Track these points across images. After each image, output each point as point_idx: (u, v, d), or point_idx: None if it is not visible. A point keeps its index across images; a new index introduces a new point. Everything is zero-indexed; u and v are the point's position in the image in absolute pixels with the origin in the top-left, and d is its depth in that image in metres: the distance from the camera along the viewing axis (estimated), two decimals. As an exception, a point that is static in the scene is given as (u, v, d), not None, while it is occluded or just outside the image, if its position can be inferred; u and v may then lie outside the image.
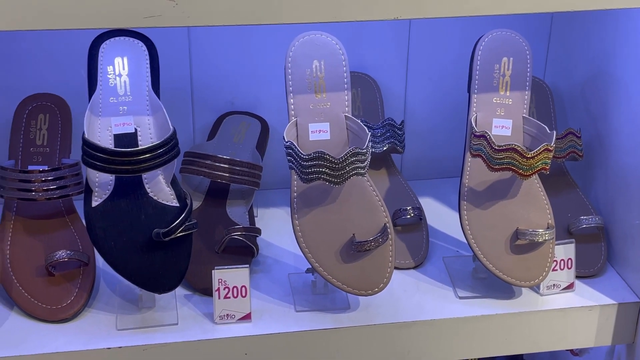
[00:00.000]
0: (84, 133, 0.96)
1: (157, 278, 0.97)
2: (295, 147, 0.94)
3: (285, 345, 1.00)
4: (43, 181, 1.04)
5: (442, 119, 1.28)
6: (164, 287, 0.98)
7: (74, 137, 1.13)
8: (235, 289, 1.00)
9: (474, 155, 1.01)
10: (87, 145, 0.94)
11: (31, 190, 1.04)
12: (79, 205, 1.11)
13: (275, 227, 1.18)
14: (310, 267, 1.05)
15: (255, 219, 1.18)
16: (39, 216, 1.07)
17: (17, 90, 1.14)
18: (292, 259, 1.13)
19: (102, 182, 0.98)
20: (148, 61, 1.01)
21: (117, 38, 1.00)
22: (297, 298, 1.04)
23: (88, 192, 0.98)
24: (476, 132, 0.99)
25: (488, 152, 0.97)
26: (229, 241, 1.09)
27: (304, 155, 0.94)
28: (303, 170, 0.94)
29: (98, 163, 0.94)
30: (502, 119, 1.01)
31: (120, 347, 0.97)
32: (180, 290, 1.05)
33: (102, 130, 0.99)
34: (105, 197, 0.98)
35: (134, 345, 0.97)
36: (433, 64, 1.25)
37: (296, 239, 1.00)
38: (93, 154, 0.94)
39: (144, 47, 1.01)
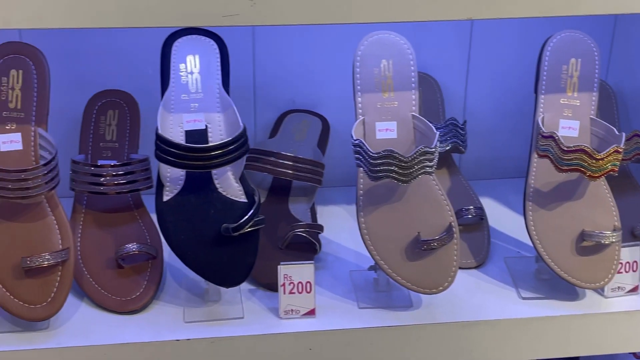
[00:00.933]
0: (157, 129, 0.98)
1: (225, 272, 0.99)
2: (365, 145, 0.95)
3: (349, 341, 1.01)
4: (113, 175, 1.06)
5: (502, 119, 1.28)
6: (231, 281, 1.00)
7: (142, 132, 1.17)
8: (300, 284, 1.01)
9: (540, 156, 1.01)
10: (161, 140, 0.97)
11: (102, 185, 1.06)
12: (146, 199, 1.14)
13: (335, 225, 1.19)
14: (373, 264, 1.06)
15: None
16: (108, 210, 1.10)
17: (87, 86, 1.16)
18: (353, 256, 1.14)
19: (173, 177, 1.00)
20: (219, 59, 1.03)
21: (189, 36, 1.02)
22: (360, 295, 1.06)
23: (160, 186, 1.00)
24: (544, 132, 1.00)
25: (556, 153, 0.98)
26: (292, 237, 1.10)
27: (373, 153, 0.95)
28: (372, 169, 0.95)
29: (171, 158, 0.96)
30: (569, 120, 1.01)
31: (189, 339, 0.99)
32: (244, 285, 1.06)
33: (173, 127, 1.01)
34: (176, 192, 1.00)
35: (202, 338, 0.99)
36: (494, 64, 1.25)
37: (361, 236, 1.01)
38: (166, 149, 0.96)
39: (215, 46, 1.03)
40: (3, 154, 0.99)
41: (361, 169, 0.99)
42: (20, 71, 1.01)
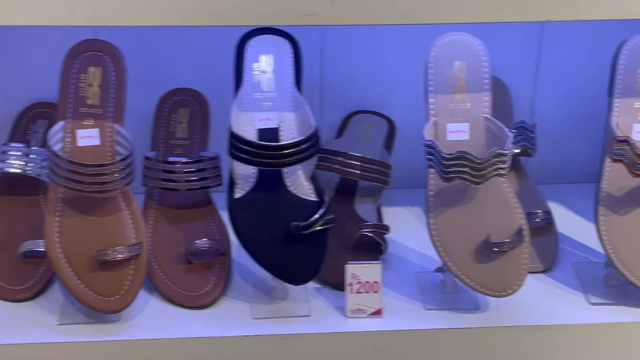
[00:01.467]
0: (231, 126, 0.99)
1: (294, 270, 1.00)
2: (437, 146, 0.95)
3: (415, 342, 1.01)
4: (185, 172, 1.08)
5: (570, 123, 1.27)
6: (300, 279, 1.00)
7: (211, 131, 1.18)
8: (367, 284, 1.02)
9: (614, 160, 1.00)
10: (234, 138, 0.98)
11: (174, 181, 1.08)
12: (215, 197, 1.16)
13: (399, 226, 1.19)
14: (440, 266, 1.06)
15: (379, 216, 1.21)
16: (179, 206, 1.12)
17: (159, 84, 1.18)
18: (418, 258, 1.14)
19: (245, 175, 1.02)
20: (292, 59, 1.04)
21: (263, 36, 1.04)
22: (426, 296, 1.06)
23: (231, 184, 1.02)
24: (618, 137, 0.99)
25: (631, 158, 0.97)
26: (359, 237, 1.11)
27: (446, 154, 0.95)
28: (444, 170, 0.96)
29: (244, 155, 0.98)
30: (644, 124, 1.00)
31: (257, 335, 1.00)
32: (310, 284, 1.07)
33: (246, 125, 1.03)
34: (247, 189, 1.01)
35: (270, 334, 1.00)
36: (564, 67, 1.24)
37: (430, 237, 1.01)
38: (239, 147, 0.98)
39: (289, 46, 1.04)
40: (80, 149, 1.02)
41: (432, 170, 0.99)
42: (99, 68, 1.03)
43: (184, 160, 1.10)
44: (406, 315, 1.03)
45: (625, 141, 0.98)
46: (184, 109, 1.17)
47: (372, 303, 1.03)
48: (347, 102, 1.26)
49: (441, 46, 1.02)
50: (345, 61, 1.23)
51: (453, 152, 0.95)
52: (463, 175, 0.95)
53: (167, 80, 1.19)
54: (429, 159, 0.98)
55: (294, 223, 0.99)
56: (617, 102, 1.02)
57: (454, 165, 0.94)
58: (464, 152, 0.94)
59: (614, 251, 1.00)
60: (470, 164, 0.94)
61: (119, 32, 1.14)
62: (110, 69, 1.04)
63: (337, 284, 1.07)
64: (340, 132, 1.24)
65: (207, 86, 1.19)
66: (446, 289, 1.06)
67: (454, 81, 1.02)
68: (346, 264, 1.02)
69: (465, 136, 1.00)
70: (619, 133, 1.00)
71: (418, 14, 0.87)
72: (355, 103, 1.26)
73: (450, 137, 1.00)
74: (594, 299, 1.03)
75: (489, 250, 0.99)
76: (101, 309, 0.97)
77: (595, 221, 1.02)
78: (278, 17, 0.86)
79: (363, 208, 1.17)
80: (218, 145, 1.20)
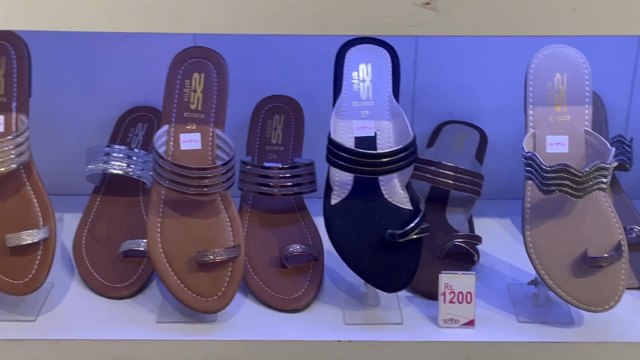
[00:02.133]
0: (329, 133, 1.01)
1: (388, 277, 1.01)
2: (538, 159, 0.95)
3: (509, 354, 1.01)
4: (280, 178, 1.10)
5: (667, 138, 1.25)
6: (394, 286, 1.01)
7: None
8: (460, 294, 1.02)
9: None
10: (333, 145, 1.00)
11: (269, 186, 1.11)
12: (308, 203, 1.18)
13: (490, 237, 1.19)
14: (533, 279, 1.05)
15: (468, 227, 1.21)
16: (273, 210, 1.14)
17: (255, 90, 1.21)
18: (509, 269, 1.14)
19: (341, 182, 1.03)
20: (390, 69, 1.05)
21: (362, 45, 1.05)
22: (518, 309, 1.05)
23: (328, 190, 1.03)
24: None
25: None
26: (450, 247, 1.11)
27: (546, 166, 0.95)
28: (544, 182, 0.95)
29: (341, 162, 0.99)
30: None
31: (350, 341, 1.01)
32: (401, 292, 1.08)
33: (344, 132, 1.04)
34: (344, 196, 1.03)
35: (363, 340, 1.01)
36: (661, 81, 1.23)
37: (526, 249, 1.01)
38: (337, 154, 0.99)
39: (387, 55, 1.05)
40: (183, 152, 1.05)
41: (530, 182, 0.99)
42: (202, 74, 1.06)
43: (279, 165, 1.12)
44: (499, 327, 1.03)
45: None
46: (279, 115, 1.19)
47: (465, 313, 1.03)
48: (438, 112, 1.26)
49: (542, 58, 1.01)
50: (438, 71, 1.24)
51: (554, 165, 0.94)
52: (563, 189, 0.94)
53: (263, 86, 1.22)
54: (528, 171, 0.98)
55: (390, 231, 1.00)
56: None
57: (554, 177, 0.94)
58: (565, 164, 0.93)
59: None
60: (571, 177, 0.94)
61: (217, 38, 1.18)
62: (213, 75, 1.07)
63: (428, 293, 1.07)
64: (431, 141, 1.25)
65: (302, 93, 1.21)
66: (539, 302, 1.05)
67: (554, 93, 1.01)
68: (437, 273, 1.03)
69: (564, 149, 0.99)
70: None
71: (523, 26, 0.87)
72: (446, 113, 1.27)
73: (550, 149, 0.99)
74: (693, 317, 1.02)
75: (586, 265, 0.98)
76: (200, 309, 1.00)
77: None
78: (383, 28, 0.88)
79: (454, 218, 1.17)
80: (311, 152, 1.23)
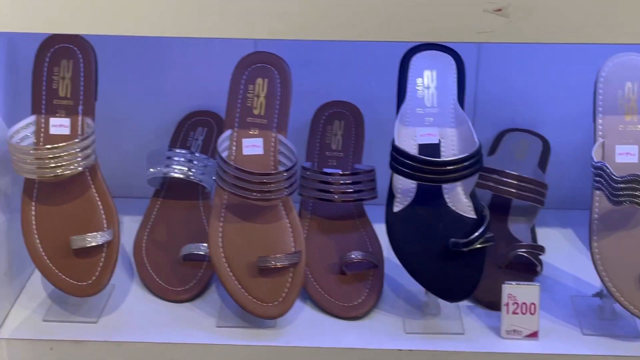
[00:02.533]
0: (393, 140, 1.00)
1: (451, 287, 0.99)
2: (608, 169, 0.93)
3: (573, 367, 0.99)
4: (341, 184, 1.10)
5: None
6: (456, 296, 1.00)
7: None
8: (524, 305, 1.00)
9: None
10: (397, 152, 0.99)
11: (330, 192, 1.10)
12: (368, 209, 1.17)
13: (552, 247, 1.16)
14: (598, 291, 1.03)
15: (528, 237, 1.19)
16: (332, 217, 1.13)
17: (315, 96, 1.21)
18: (573, 281, 1.12)
19: (404, 189, 1.02)
20: (456, 75, 1.04)
21: (427, 52, 1.04)
22: (583, 321, 1.03)
23: (390, 197, 1.02)
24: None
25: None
26: (513, 257, 1.09)
27: (617, 177, 0.93)
28: (614, 193, 0.93)
29: (405, 170, 0.98)
30: None
31: (411, 350, 1.00)
32: (462, 301, 1.07)
33: (407, 139, 1.03)
34: (406, 203, 1.02)
35: (424, 350, 1.00)
36: None
37: (593, 261, 0.99)
38: (401, 161, 0.98)
39: (453, 62, 1.04)
40: (245, 157, 1.05)
41: (598, 192, 0.97)
42: (266, 80, 1.06)
43: (339, 172, 1.11)
44: (563, 340, 1.01)
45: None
46: (339, 121, 1.19)
47: (529, 325, 1.01)
48: (500, 119, 1.25)
49: (613, 66, 0.99)
50: (500, 77, 1.22)
51: (624, 175, 0.92)
52: (635, 200, 0.92)
53: (323, 92, 1.21)
54: (597, 181, 0.96)
55: (453, 240, 0.99)
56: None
57: (625, 188, 0.92)
58: (637, 175, 0.91)
59: None
60: (643, 188, 0.92)
61: (278, 44, 1.18)
62: (276, 80, 1.07)
63: (490, 303, 1.06)
64: (492, 149, 1.23)
65: (362, 99, 1.20)
66: (605, 315, 1.03)
67: (624, 102, 0.99)
68: (499, 283, 1.01)
69: (634, 159, 0.97)
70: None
71: (595, 34, 0.86)
72: (508, 120, 1.25)
73: (619, 159, 0.97)
74: None
75: (656, 278, 0.96)
76: (260, 314, 1.00)
77: None
78: (452, 35, 0.87)
79: (517, 227, 1.15)
80: (371, 158, 1.22)
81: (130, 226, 1.19)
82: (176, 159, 1.14)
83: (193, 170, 1.14)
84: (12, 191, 1.06)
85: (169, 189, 1.19)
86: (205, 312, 1.05)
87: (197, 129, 1.23)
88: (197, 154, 1.15)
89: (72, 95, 1.03)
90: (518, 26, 0.86)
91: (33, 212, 1.01)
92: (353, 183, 1.10)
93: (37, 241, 1.00)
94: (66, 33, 0.99)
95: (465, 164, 0.97)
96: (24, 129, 1.02)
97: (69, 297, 1.02)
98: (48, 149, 0.97)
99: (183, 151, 1.15)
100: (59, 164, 0.97)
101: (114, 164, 1.21)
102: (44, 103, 1.03)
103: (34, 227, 1.01)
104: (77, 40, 1.04)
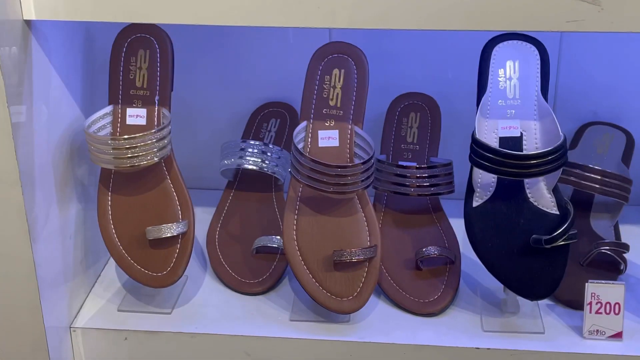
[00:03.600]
0: (474, 132, 0.97)
1: (532, 284, 0.96)
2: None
3: (660, 370, 0.95)
4: (417, 177, 1.07)
5: None
6: (537, 294, 0.97)
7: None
8: (608, 304, 0.96)
9: None
10: (477, 145, 0.96)
11: (405, 185, 1.08)
12: (443, 204, 1.14)
13: (636, 245, 1.11)
14: (686, 292, 0.99)
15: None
16: (407, 211, 1.11)
17: (390, 88, 1.18)
18: (658, 281, 1.08)
19: (484, 183, 0.99)
20: (539, 66, 1.01)
21: (510, 41, 1.01)
22: (670, 322, 0.99)
23: (470, 191, 1.00)
24: None
25: None
26: (596, 255, 1.05)
27: None
28: None
29: (486, 163, 0.95)
30: None
31: (489, 349, 0.97)
32: (542, 300, 1.04)
33: (488, 132, 1.00)
34: (486, 198, 0.99)
35: (502, 349, 0.97)
36: None
37: (682, 260, 0.95)
38: (482, 154, 0.95)
39: (536, 52, 1.01)
40: (321, 149, 1.03)
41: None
42: (343, 70, 1.04)
43: (414, 165, 1.09)
44: (649, 341, 0.98)
45: None
46: (415, 113, 1.16)
47: (613, 325, 0.97)
48: (582, 112, 1.20)
49: None
50: (583, 69, 1.18)
51: None
52: None
53: (399, 83, 1.19)
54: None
55: (535, 236, 0.96)
56: None
57: None
58: None
59: None
60: None
61: (352, 34, 1.16)
62: (353, 71, 1.05)
63: (571, 302, 1.02)
64: (574, 143, 1.19)
65: (439, 91, 1.18)
66: (693, 317, 0.99)
67: None
68: (580, 281, 0.98)
69: None
70: None
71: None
72: (590, 113, 1.20)
73: None
74: None
75: None
76: (335, 308, 0.98)
77: None
78: (540, 23, 0.83)
79: (599, 224, 1.11)
80: (447, 151, 1.19)
81: (203, 218, 1.18)
82: (250, 150, 1.13)
83: (267, 162, 1.13)
84: (89, 181, 1.07)
85: (241, 180, 1.19)
86: (278, 305, 1.04)
87: (270, 121, 1.22)
88: (270, 146, 1.14)
89: (148, 85, 1.03)
90: (610, 15, 0.82)
91: (109, 202, 1.01)
92: (429, 177, 1.07)
93: (113, 231, 1.00)
94: (143, 22, 0.99)
95: (549, 158, 0.94)
96: (101, 119, 1.02)
97: (144, 288, 1.02)
98: (125, 139, 0.97)
99: (257, 142, 1.14)
100: (136, 154, 0.97)
101: (187, 155, 1.21)
102: (120, 93, 1.03)
103: (110, 217, 1.01)
104: (154, 30, 1.03)
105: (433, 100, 1.16)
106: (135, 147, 0.97)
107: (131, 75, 1.03)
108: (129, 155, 0.97)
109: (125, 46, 1.03)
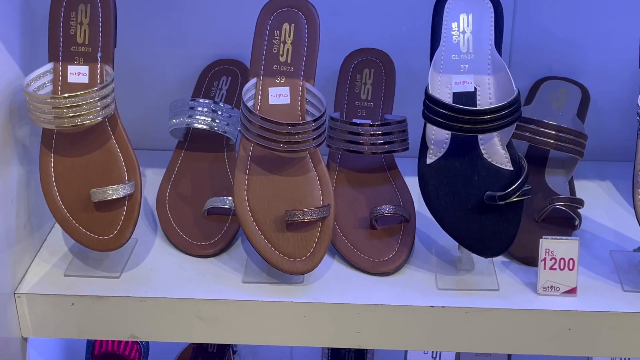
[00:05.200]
0: (427, 88, 0.95)
1: (486, 241, 0.95)
2: (654, 117, 0.88)
3: (613, 324, 0.95)
4: (371, 135, 1.05)
5: None
6: (491, 250, 0.96)
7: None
8: (562, 260, 0.96)
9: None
10: (430, 100, 0.94)
11: (359, 143, 1.06)
12: (398, 162, 1.13)
13: (590, 201, 1.11)
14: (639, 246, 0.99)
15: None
16: (361, 169, 1.09)
17: (343, 43, 1.15)
18: (612, 236, 1.07)
19: (438, 140, 0.97)
20: (493, 19, 0.98)
21: (464, -6, 0.99)
22: (623, 277, 0.99)
23: (423, 148, 0.98)
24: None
25: None
26: (550, 210, 1.05)
27: (665, 126, 0.88)
28: (661, 142, 0.88)
29: (439, 119, 0.94)
30: None
31: (443, 307, 0.96)
32: (497, 257, 1.03)
33: (442, 87, 0.98)
34: (440, 155, 0.97)
35: (457, 307, 0.96)
36: None
37: (636, 214, 0.94)
38: (436, 110, 0.94)
39: (490, 4, 0.99)
40: (272, 107, 1.00)
41: (644, 142, 0.92)
42: (293, 25, 1.01)
43: (368, 122, 1.07)
44: (603, 296, 0.97)
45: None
46: (369, 69, 1.14)
47: (567, 281, 0.97)
48: (538, 66, 1.19)
49: (662, 7, 0.94)
50: (538, 23, 1.16)
51: (673, 124, 0.87)
52: (684, 149, 0.87)
53: (352, 39, 1.16)
54: (643, 130, 0.91)
55: (489, 193, 0.94)
56: None
57: (673, 137, 0.87)
58: (687, 123, 0.86)
59: None
60: (692, 137, 0.87)
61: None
62: (303, 26, 1.01)
63: (526, 259, 1.02)
64: (529, 98, 1.18)
65: (393, 46, 1.15)
66: (647, 271, 0.99)
67: (674, 46, 0.94)
68: (535, 238, 0.97)
69: (683, 106, 0.92)
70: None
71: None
72: (546, 68, 1.19)
73: (666, 107, 0.92)
74: None
75: (703, 232, 0.91)
76: (287, 269, 0.96)
77: None
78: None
79: (554, 180, 1.11)
80: (402, 108, 1.17)
81: (153, 179, 1.15)
82: (199, 109, 1.10)
83: (217, 120, 1.10)
84: (31, 142, 1.03)
85: (192, 140, 1.15)
86: (230, 267, 1.02)
87: (221, 78, 1.19)
88: (221, 104, 1.11)
89: (90, 41, 0.99)
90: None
91: (52, 164, 0.98)
92: (383, 134, 1.05)
93: (57, 194, 0.97)
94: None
95: (503, 112, 0.92)
96: (41, 77, 0.98)
97: (91, 252, 0.99)
98: (66, 97, 0.93)
99: (206, 101, 1.11)
100: (78, 114, 0.94)
101: (136, 115, 1.17)
102: (61, 50, 0.99)
103: (53, 179, 0.97)
104: None
105: (387, 55, 1.14)
106: (77, 105, 0.94)
107: (72, 31, 0.98)
108: (71, 115, 0.94)
109: (65, 1, 0.99)
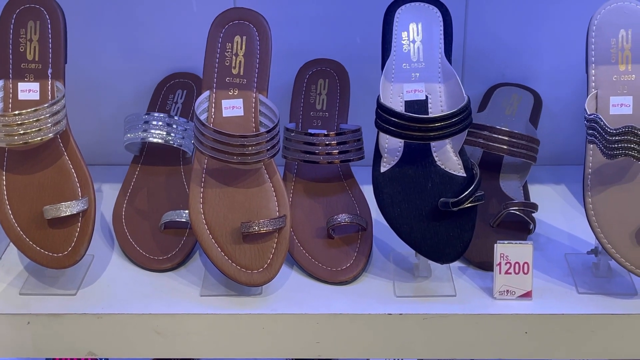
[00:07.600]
0: (379, 97, 0.96)
1: (441, 248, 0.96)
2: (602, 121, 0.89)
3: (569, 327, 0.96)
4: (327, 145, 1.06)
5: None
6: (446, 257, 0.96)
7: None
8: (517, 264, 0.97)
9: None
10: (383, 109, 0.95)
11: (315, 154, 1.06)
12: (355, 171, 1.13)
13: (545, 204, 1.13)
14: (593, 248, 1.00)
15: (520, 194, 1.15)
16: (318, 179, 1.10)
17: (297, 54, 1.16)
18: (567, 238, 1.09)
19: (391, 148, 0.98)
20: (442, 28, 1.00)
21: (412, 4, 1.00)
22: (578, 279, 1.00)
23: (377, 157, 0.99)
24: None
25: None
26: (505, 215, 1.06)
27: (611, 129, 0.89)
28: (608, 146, 0.90)
29: (392, 128, 0.94)
30: None
31: (401, 314, 0.97)
32: (454, 263, 1.04)
33: (394, 96, 0.99)
34: (394, 163, 0.98)
35: (415, 314, 0.97)
36: None
37: (587, 217, 0.95)
38: (388, 119, 0.94)
39: (439, 13, 1.00)
40: (225, 119, 1.00)
41: (592, 145, 0.94)
42: (244, 37, 1.02)
43: (324, 132, 1.07)
44: (558, 299, 0.98)
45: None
46: (324, 79, 1.14)
47: (522, 285, 0.98)
48: (490, 73, 1.21)
49: (606, 13, 0.95)
50: (490, 30, 1.18)
51: (619, 127, 0.88)
52: (630, 152, 0.88)
53: (306, 50, 1.17)
54: (591, 134, 0.92)
55: (443, 199, 0.95)
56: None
57: (620, 141, 0.88)
58: (632, 126, 0.88)
59: None
60: (638, 140, 0.88)
61: (260, 2, 1.13)
62: (255, 38, 1.02)
63: (482, 264, 1.03)
64: (482, 105, 1.19)
65: (347, 56, 1.16)
66: (600, 273, 1.00)
67: (618, 51, 0.95)
68: (491, 243, 0.98)
69: (628, 110, 0.93)
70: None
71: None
72: (498, 75, 1.21)
73: (613, 111, 0.93)
74: None
75: (652, 233, 0.93)
76: (245, 281, 0.96)
77: None
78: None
79: (508, 185, 1.12)
80: (357, 117, 1.18)
81: (109, 194, 1.15)
82: (154, 123, 1.10)
83: (172, 134, 1.10)
84: (-17, 161, 1.02)
85: (148, 154, 1.15)
86: (188, 280, 1.02)
87: (176, 92, 1.19)
88: (176, 118, 1.11)
89: (40, 58, 0.98)
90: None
91: (4, 182, 0.97)
92: (339, 143, 1.06)
93: (9, 212, 0.96)
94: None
95: (454, 120, 0.93)
96: (-9, 95, 0.98)
97: (47, 270, 0.98)
98: (16, 114, 0.93)
99: (161, 115, 1.10)
100: (29, 131, 0.93)
101: (90, 131, 1.17)
102: (11, 67, 0.98)
103: (6, 197, 0.96)
104: (43, 0, 0.98)
105: (341, 65, 1.14)
106: (28, 122, 0.93)
107: (21, 48, 0.98)
108: (21, 132, 0.93)
109: (14, 18, 0.98)
